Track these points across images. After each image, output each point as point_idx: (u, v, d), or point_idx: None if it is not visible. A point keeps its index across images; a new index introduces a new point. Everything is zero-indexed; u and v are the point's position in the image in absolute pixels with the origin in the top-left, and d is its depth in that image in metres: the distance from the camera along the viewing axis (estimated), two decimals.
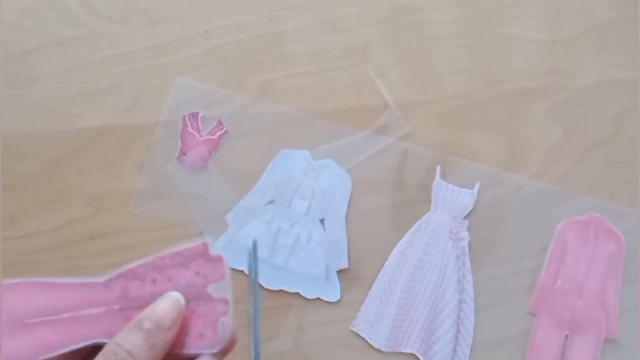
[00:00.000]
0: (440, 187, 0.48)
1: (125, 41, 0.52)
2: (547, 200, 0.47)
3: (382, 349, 0.46)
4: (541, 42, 0.50)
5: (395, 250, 0.47)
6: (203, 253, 0.30)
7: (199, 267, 0.30)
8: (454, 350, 0.45)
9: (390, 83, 0.50)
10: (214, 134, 0.50)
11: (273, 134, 0.49)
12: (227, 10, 0.52)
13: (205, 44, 0.51)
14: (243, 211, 0.48)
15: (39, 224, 0.49)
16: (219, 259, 0.30)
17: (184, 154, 0.49)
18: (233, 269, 0.47)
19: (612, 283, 0.45)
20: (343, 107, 0.50)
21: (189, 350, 0.29)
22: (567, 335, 0.45)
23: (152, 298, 0.29)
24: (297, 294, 0.47)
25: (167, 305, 0.29)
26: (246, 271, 0.47)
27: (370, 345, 0.46)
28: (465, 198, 0.47)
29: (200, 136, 0.50)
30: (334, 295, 0.47)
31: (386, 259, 0.47)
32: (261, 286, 0.47)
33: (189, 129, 0.50)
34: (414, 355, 0.46)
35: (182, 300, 0.29)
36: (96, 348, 0.28)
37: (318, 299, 0.47)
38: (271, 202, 0.49)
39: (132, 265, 0.30)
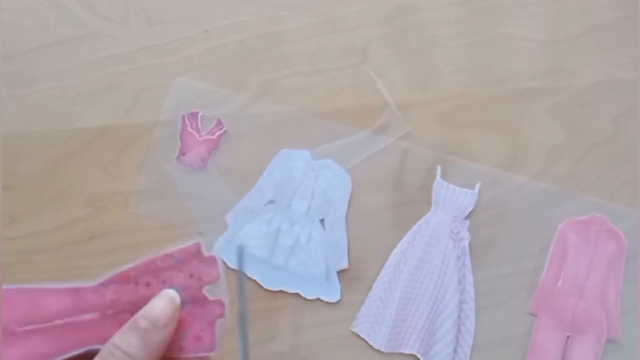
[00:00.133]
0: (441, 187, 0.48)
1: (125, 41, 0.52)
2: (548, 201, 0.47)
3: (382, 349, 0.45)
4: (541, 42, 0.50)
5: (395, 250, 0.47)
6: (196, 254, 0.29)
7: (193, 269, 0.29)
8: (455, 351, 0.45)
9: (390, 83, 0.50)
10: (213, 134, 0.50)
11: (273, 134, 0.49)
12: (227, 10, 0.52)
13: (205, 43, 0.51)
14: (243, 211, 0.48)
15: (39, 224, 0.49)
16: (212, 260, 0.30)
17: (184, 154, 0.49)
18: (232, 270, 0.47)
19: (614, 283, 0.45)
20: (343, 107, 0.50)
21: (187, 353, 0.29)
22: (568, 336, 0.45)
23: (146, 302, 0.29)
24: (297, 294, 0.47)
25: (162, 304, 0.28)
26: (246, 272, 0.47)
27: (371, 346, 0.46)
28: (466, 198, 0.47)
29: (200, 136, 0.50)
30: (334, 296, 0.47)
31: (386, 259, 0.47)
32: (260, 286, 0.47)
33: (189, 128, 0.50)
34: (415, 356, 0.45)
35: (178, 298, 0.29)
36: (91, 354, 0.28)
37: (318, 299, 0.47)
38: (271, 202, 0.48)
39: (124, 268, 0.29)
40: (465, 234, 0.47)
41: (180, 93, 0.50)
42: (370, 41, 0.51)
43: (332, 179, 0.49)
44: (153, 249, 0.48)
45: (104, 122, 0.50)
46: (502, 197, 0.48)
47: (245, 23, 0.52)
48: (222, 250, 0.47)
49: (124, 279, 0.29)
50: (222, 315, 0.30)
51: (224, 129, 0.50)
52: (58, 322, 0.28)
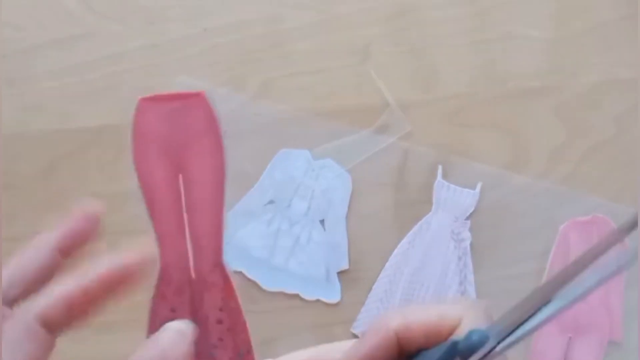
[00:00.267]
0: (442, 188, 0.47)
1: (123, 40, 0.52)
2: (550, 201, 0.47)
3: None
4: (544, 41, 0.50)
5: (396, 251, 0.47)
6: None
7: None
8: None
9: (392, 82, 0.50)
10: None
11: (273, 134, 0.49)
12: (227, 9, 0.52)
13: (205, 42, 0.51)
14: (242, 212, 0.48)
15: (36, 225, 0.48)
16: None
17: None
18: (232, 270, 0.47)
19: (616, 285, 0.45)
20: (344, 107, 0.49)
21: None
22: (569, 338, 0.45)
23: None
24: (297, 295, 0.47)
25: (172, 337, 0.24)
26: (244, 272, 0.47)
27: None
28: (467, 198, 0.47)
29: None
30: (334, 297, 0.47)
31: (387, 260, 0.47)
32: (260, 287, 0.46)
33: None
34: None
35: (189, 330, 0.25)
36: None
37: (318, 300, 0.47)
38: (271, 202, 0.48)
39: None
40: (467, 235, 0.47)
41: None
42: (371, 40, 0.51)
43: (332, 179, 0.48)
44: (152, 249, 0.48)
45: (102, 122, 0.50)
46: (503, 198, 0.47)
47: (245, 22, 0.52)
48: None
49: None
50: None
51: (223, 129, 0.50)
52: None
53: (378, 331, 0.23)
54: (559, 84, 0.49)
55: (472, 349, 0.21)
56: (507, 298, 0.46)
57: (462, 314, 0.23)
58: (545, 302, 0.21)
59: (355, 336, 0.46)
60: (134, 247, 0.25)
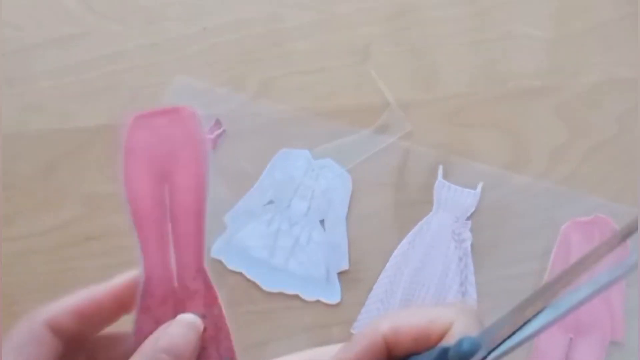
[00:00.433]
0: (443, 188, 0.47)
1: (122, 39, 0.52)
2: (551, 201, 0.47)
3: None
4: (545, 41, 0.50)
5: (396, 251, 0.47)
6: None
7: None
8: None
9: (392, 82, 0.50)
10: (212, 133, 0.49)
11: (272, 133, 0.49)
12: (226, 8, 0.52)
13: (204, 42, 0.51)
14: (242, 212, 0.48)
15: (34, 225, 0.48)
16: None
17: None
18: (231, 271, 0.46)
19: (618, 285, 0.45)
20: (344, 106, 0.49)
21: None
22: (571, 338, 0.45)
23: None
24: (297, 296, 0.46)
25: (182, 332, 0.24)
26: (244, 273, 0.47)
27: None
28: (468, 198, 0.47)
29: None
30: (334, 297, 0.46)
31: (387, 261, 0.47)
32: (260, 288, 0.46)
33: None
34: None
35: (199, 323, 0.25)
36: None
37: (318, 301, 0.46)
38: (270, 202, 0.48)
39: None
40: (467, 235, 0.46)
41: (178, 92, 0.50)
42: (371, 39, 0.51)
43: (332, 179, 0.48)
44: None
45: (101, 121, 0.50)
46: (504, 198, 0.47)
47: (245, 21, 0.52)
48: (221, 251, 0.47)
49: None
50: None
51: (222, 129, 0.50)
52: None
53: (366, 335, 0.23)
54: (559, 83, 0.49)
55: (463, 358, 0.20)
56: (508, 298, 0.46)
57: (452, 318, 0.22)
58: (540, 310, 0.20)
59: None
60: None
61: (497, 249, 0.47)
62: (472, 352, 0.20)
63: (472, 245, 0.46)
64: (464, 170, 0.48)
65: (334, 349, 0.24)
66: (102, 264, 0.47)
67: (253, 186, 0.48)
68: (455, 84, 0.50)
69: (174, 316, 0.25)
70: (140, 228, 0.26)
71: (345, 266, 0.47)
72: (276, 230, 0.47)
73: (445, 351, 0.21)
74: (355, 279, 0.47)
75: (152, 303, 0.25)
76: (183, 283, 0.26)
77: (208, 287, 0.26)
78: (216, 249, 0.47)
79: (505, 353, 0.20)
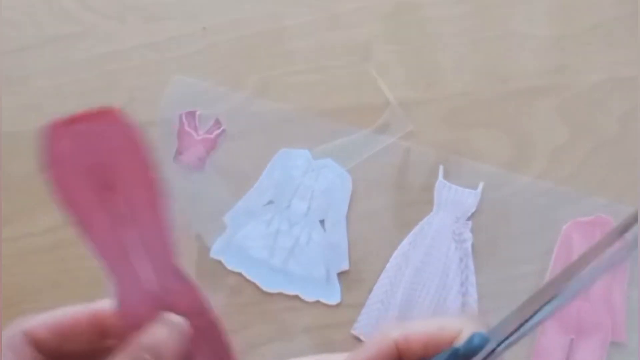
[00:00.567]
0: (443, 188, 0.47)
1: (120, 38, 0.51)
2: (553, 201, 0.47)
3: None
4: (547, 39, 0.50)
5: (397, 252, 0.47)
6: None
7: None
8: None
9: (393, 81, 0.49)
10: (211, 133, 0.49)
11: (272, 133, 0.49)
12: (225, 7, 0.52)
13: (203, 41, 0.51)
14: (242, 212, 0.48)
15: (33, 225, 0.48)
16: None
17: (181, 154, 0.49)
18: (231, 271, 0.46)
19: (619, 285, 0.45)
20: (344, 106, 0.49)
21: None
22: (572, 339, 0.45)
23: None
24: (297, 296, 0.46)
25: (166, 332, 0.24)
26: (244, 273, 0.47)
27: None
28: (469, 199, 0.47)
29: (198, 135, 0.49)
30: (334, 298, 0.46)
31: (388, 261, 0.47)
32: (259, 288, 0.46)
33: (186, 127, 0.49)
34: None
35: (182, 323, 0.25)
36: None
37: (318, 301, 0.46)
38: (270, 202, 0.48)
39: None
40: (468, 235, 0.46)
41: (177, 91, 0.50)
42: (372, 38, 0.51)
43: (332, 179, 0.48)
44: None
45: None
46: (505, 198, 0.47)
47: (244, 20, 0.51)
48: (220, 252, 0.47)
49: None
50: None
51: (222, 128, 0.49)
52: None
53: (378, 340, 0.23)
54: (560, 83, 0.49)
55: (474, 352, 0.21)
56: (509, 299, 0.46)
57: (461, 325, 0.23)
58: (545, 303, 0.22)
59: (355, 338, 0.46)
60: None
61: (497, 249, 0.46)
62: (482, 345, 0.21)
63: (472, 245, 0.46)
64: (465, 170, 0.48)
65: (337, 357, 0.25)
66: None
67: (253, 186, 0.48)
68: (456, 84, 0.49)
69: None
70: (95, 241, 0.25)
71: (345, 266, 0.47)
72: (276, 230, 0.47)
73: (456, 351, 0.22)
74: (355, 280, 0.47)
75: (131, 312, 0.25)
76: (163, 286, 0.25)
77: (189, 285, 0.26)
78: (216, 249, 0.47)
79: (513, 342, 0.22)
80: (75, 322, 0.25)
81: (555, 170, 0.47)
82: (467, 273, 0.46)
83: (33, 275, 0.47)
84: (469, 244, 0.46)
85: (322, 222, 0.48)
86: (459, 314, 0.45)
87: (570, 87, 0.49)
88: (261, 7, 0.52)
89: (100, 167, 0.25)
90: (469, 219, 0.47)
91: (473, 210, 0.47)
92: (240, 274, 0.47)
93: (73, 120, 0.26)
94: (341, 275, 0.47)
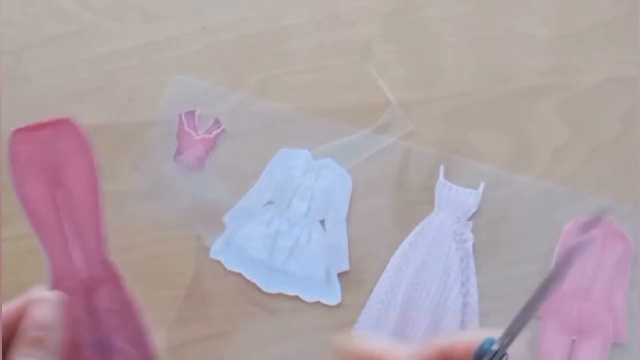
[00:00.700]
0: (444, 188, 0.47)
1: (120, 38, 0.51)
2: (554, 201, 0.47)
3: None
4: (547, 39, 0.50)
5: (397, 252, 0.47)
6: None
7: None
8: None
9: (393, 80, 0.49)
10: (211, 133, 0.49)
11: (272, 133, 0.49)
12: (225, 6, 0.52)
13: (203, 40, 0.51)
14: (241, 212, 0.48)
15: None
16: None
17: (181, 154, 0.49)
18: (230, 272, 0.46)
19: (620, 286, 0.45)
20: (344, 105, 0.49)
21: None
22: (573, 340, 0.45)
23: None
24: (297, 297, 0.46)
25: (42, 307, 0.28)
26: (243, 273, 0.46)
27: None
28: (469, 199, 0.47)
29: (197, 135, 0.49)
30: (334, 299, 0.46)
31: (388, 261, 0.46)
32: (259, 289, 0.46)
33: (186, 127, 0.49)
34: None
35: (52, 295, 0.29)
36: None
37: (318, 302, 0.46)
38: (270, 202, 0.48)
39: None
40: (469, 236, 0.46)
41: (177, 91, 0.50)
42: (372, 37, 0.51)
43: (332, 179, 0.48)
44: (149, 250, 0.47)
45: (98, 121, 0.50)
46: (506, 198, 0.47)
47: (244, 19, 0.51)
48: (220, 252, 0.47)
49: None
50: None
51: (221, 128, 0.49)
52: None
53: (426, 346, 0.26)
54: (561, 82, 0.49)
55: (486, 353, 0.25)
56: (510, 299, 0.46)
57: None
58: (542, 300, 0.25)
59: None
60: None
61: (498, 249, 0.46)
62: (490, 346, 0.25)
63: (473, 245, 0.46)
64: (466, 170, 0.48)
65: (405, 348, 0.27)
66: None
67: (252, 186, 0.48)
68: (456, 83, 0.49)
69: (86, 305, 0.30)
70: (40, 231, 0.31)
71: (345, 267, 0.47)
72: (276, 230, 0.47)
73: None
74: (355, 280, 0.47)
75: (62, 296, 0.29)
76: (91, 274, 0.31)
77: (113, 275, 0.31)
78: (215, 249, 0.47)
79: (517, 335, 0.25)
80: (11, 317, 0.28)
81: (555, 170, 0.47)
82: (468, 273, 0.46)
83: (34, 275, 0.47)
84: (469, 244, 0.46)
85: (322, 222, 0.47)
86: (459, 314, 0.45)
87: (571, 87, 0.49)
88: (261, 7, 0.52)
89: (52, 167, 0.31)
90: (469, 219, 0.47)
91: (474, 210, 0.47)
92: (240, 274, 0.47)
93: (32, 128, 0.31)
94: (341, 275, 0.47)
